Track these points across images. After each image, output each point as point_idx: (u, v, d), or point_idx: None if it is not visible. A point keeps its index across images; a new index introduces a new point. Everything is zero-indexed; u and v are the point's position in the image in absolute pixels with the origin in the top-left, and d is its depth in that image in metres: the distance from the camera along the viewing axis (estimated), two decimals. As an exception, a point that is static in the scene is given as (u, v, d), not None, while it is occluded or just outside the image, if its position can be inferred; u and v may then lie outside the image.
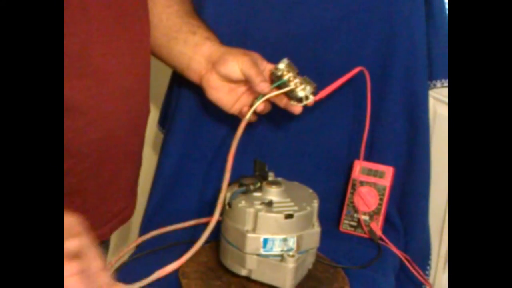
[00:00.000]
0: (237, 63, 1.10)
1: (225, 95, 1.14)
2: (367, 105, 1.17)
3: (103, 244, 1.16)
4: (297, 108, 1.10)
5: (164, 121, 1.31)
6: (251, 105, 1.10)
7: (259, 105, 1.09)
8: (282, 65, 1.09)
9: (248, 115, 1.08)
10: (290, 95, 1.09)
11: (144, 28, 1.10)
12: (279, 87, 1.09)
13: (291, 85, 1.08)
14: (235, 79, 1.12)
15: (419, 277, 1.17)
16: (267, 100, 1.11)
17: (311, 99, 1.08)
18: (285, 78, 1.08)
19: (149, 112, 1.13)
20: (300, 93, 1.08)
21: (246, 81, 1.11)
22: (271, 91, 1.09)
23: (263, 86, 1.08)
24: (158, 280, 1.02)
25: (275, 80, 1.10)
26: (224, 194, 1.04)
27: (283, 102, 1.11)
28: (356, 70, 1.14)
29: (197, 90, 1.20)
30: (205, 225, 1.13)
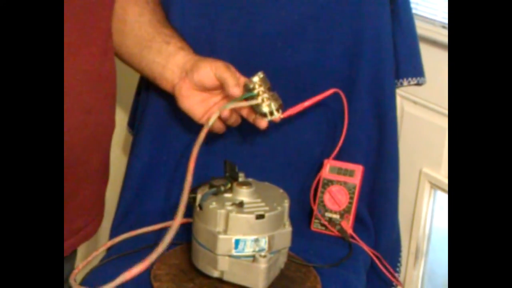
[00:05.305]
0: (211, 69, 1.10)
1: (197, 105, 1.14)
2: (344, 123, 1.19)
3: (67, 257, 1.13)
4: (262, 123, 1.11)
5: (133, 123, 1.31)
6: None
7: (225, 112, 1.09)
8: (256, 78, 1.09)
9: (211, 121, 1.08)
10: (256, 109, 1.10)
11: (108, 42, 1.08)
12: (247, 100, 1.10)
13: (258, 100, 1.09)
14: (208, 86, 1.12)
15: (389, 275, 1.18)
16: (237, 113, 1.12)
17: (276, 116, 1.10)
18: (255, 92, 1.09)
19: (114, 128, 1.12)
20: (264, 109, 1.09)
21: (219, 88, 1.12)
22: (240, 100, 1.09)
23: (236, 90, 1.08)
24: (130, 284, 1.02)
25: (246, 92, 1.10)
26: (186, 196, 1.03)
27: (252, 117, 1.12)
28: (329, 92, 1.15)
29: (165, 93, 1.19)
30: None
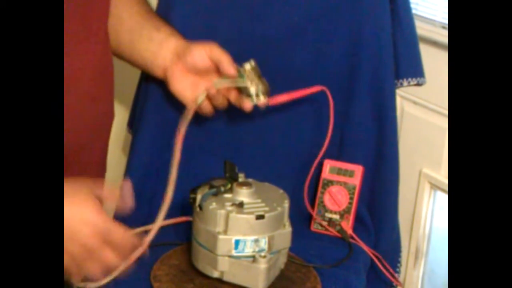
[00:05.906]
0: (205, 51, 1.12)
1: (188, 88, 1.15)
2: (330, 122, 1.18)
3: None
4: (247, 105, 1.12)
5: (133, 123, 1.31)
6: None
7: (212, 90, 1.11)
8: (248, 65, 1.11)
9: (200, 99, 1.11)
10: (243, 91, 1.12)
11: (107, 35, 1.10)
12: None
13: (246, 82, 1.11)
14: (201, 67, 1.13)
15: (389, 275, 1.18)
16: (223, 95, 1.13)
17: (262, 100, 1.12)
18: (245, 75, 1.11)
19: (113, 117, 1.13)
20: (251, 90, 1.11)
21: (211, 71, 1.13)
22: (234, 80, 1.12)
23: (232, 68, 1.11)
24: (130, 284, 1.02)
25: (237, 75, 1.12)
26: (175, 171, 1.05)
27: (238, 101, 1.13)
28: (316, 89, 1.16)
29: (163, 91, 1.19)
30: (176, 225, 1.13)
